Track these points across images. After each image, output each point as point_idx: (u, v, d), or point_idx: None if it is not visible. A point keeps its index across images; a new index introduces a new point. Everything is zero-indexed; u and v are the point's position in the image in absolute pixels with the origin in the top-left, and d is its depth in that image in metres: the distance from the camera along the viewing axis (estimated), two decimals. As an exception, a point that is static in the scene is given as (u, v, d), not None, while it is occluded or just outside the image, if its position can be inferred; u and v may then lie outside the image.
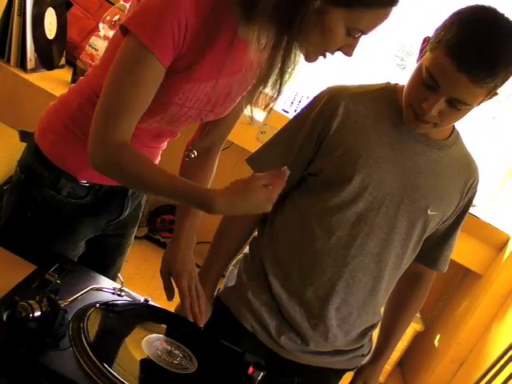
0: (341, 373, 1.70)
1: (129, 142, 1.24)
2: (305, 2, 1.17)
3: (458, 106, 1.34)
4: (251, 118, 1.35)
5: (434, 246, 1.63)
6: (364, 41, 1.29)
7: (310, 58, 1.30)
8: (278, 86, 1.28)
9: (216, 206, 1.19)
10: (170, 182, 1.23)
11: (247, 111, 1.34)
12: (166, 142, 1.58)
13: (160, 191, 1.26)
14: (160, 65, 1.21)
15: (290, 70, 1.28)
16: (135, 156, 1.24)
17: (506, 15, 1.32)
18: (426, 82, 1.33)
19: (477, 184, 1.57)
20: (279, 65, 1.25)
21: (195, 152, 1.55)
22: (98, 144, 1.23)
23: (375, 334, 1.73)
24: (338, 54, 1.29)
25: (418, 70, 1.37)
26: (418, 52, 1.41)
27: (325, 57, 1.30)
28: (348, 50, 1.28)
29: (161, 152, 1.60)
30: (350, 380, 1.75)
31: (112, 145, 1.22)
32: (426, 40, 1.38)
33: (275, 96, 1.30)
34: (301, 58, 1.31)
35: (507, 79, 1.33)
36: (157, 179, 1.23)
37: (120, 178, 1.29)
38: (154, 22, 1.19)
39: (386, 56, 3.90)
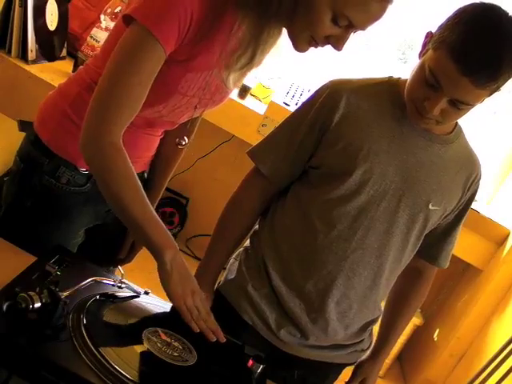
0: (340, 367, 1.70)
1: (121, 140, 1.24)
2: None
3: (460, 106, 1.35)
4: (228, 86, 1.38)
5: (436, 242, 1.62)
6: (366, 34, 1.28)
7: (299, 46, 1.29)
8: (247, 64, 1.31)
9: (165, 259, 1.24)
10: (140, 218, 1.24)
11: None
12: (163, 130, 1.58)
13: (128, 220, 1.26)
14: (162, 52, 1.21)
15: (262, 47, 1.29)
16: (126, 170, 1.24)
17: (509, 14, 1.31)
18: (429, 81, 1.33)
19: (479, 179, 1.57)
20: (253, 41, 1.27)
21: (186, 139, 1.56)
22: (93, 134, 1.23)
23: (375, 329, 1.72)
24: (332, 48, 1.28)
25: (421, 68, 1.36)
26: (419, 46, 1.40)
27: (315, 47, 1.29)
28: (337, 43, 1.26)
29: (159, 140, 1.60)
30: (350, 375, 1.75)
31: (108, 141, 1.22)
32: (429, 35, 1.37)
33: (244, 71, 1.34)
34: (276, 41, 1.33)
35: (509, 79, 1.33)
36: (133, 206, 1.23)
37: (100, 178, 1.27)
38: (160, 10, 1.19)
39: (388, 50, 3.89)
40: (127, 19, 1.23)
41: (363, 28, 1.25)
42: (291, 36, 1.29)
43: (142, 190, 1.26)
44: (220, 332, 1.27)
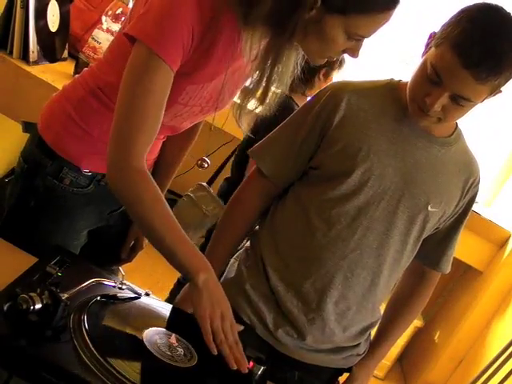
0: (336, 372, 1.68)
1: (144, 163, 1.23)
2: (297, 11, 1.19)
3: (461, 103, 1.35)
4: (240, 124, 1.40)
5: (436, 247, 1.62)
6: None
7: (315, 61, 1.34)
8: (264, 91, 1.32)
9: (196, 282, 1.24)
10: (172, 243, 1.24)
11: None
12: (165, 134, 1.58)
13: (157, 244, 1.26)
14: (170, 71, 1.22)
15: (277, 75, 1.31)
16: (154, 196, 1.24)
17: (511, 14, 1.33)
18: (430, 77, 1.34)
19: (478, 183, 1.57)
20: (268, 70, 1.27)
21: (208, 161, 1.56)
22: (117, 164, 1.22)
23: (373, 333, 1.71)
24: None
25: (423, 65, 1.37)
26: (420, 49, 1.41)
27: (331, 60, 1.35)
28: (353, 53, 1.30)
29: (161, 143, 1.61)
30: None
31: (132, 168, 1.21)
32: (432, 35, 1.38)
33: (261, 99, 1.35)
34: (291, 64, 1.35)
35: (510, 78, 1.34)
36: (162, 231, 1.23)
37: (128, 205, 1.27)
38: (163, 28, 1.19)
39: (390, 52, 3.89)
40: (129, 38, 1.23)
41: (371, 35, 1.30)
42: (307, 53, 1.33)
43: (171, 213, 1.25)
44: (244, 362, 1.22)
